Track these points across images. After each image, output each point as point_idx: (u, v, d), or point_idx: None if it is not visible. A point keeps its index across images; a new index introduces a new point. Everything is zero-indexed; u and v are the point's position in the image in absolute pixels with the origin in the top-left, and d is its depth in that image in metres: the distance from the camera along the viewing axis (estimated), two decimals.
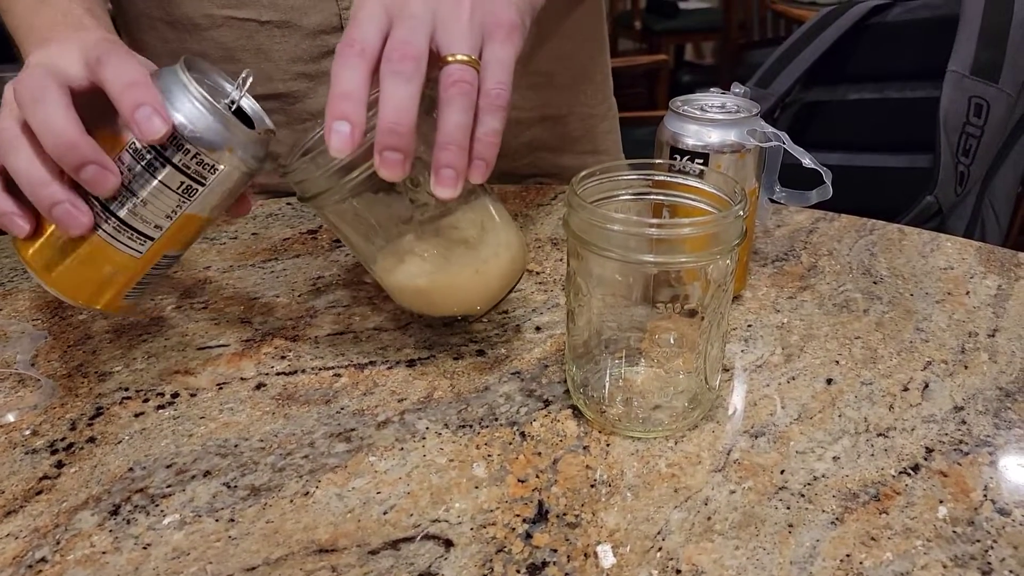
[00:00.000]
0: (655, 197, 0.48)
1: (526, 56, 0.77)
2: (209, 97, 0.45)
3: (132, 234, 0.46)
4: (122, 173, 0.44)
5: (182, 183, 0.45)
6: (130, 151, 0.44)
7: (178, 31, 0.71)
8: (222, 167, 0.46)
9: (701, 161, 0.53)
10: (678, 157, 0.54)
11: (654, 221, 0.41)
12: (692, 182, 0.46)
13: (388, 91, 0.42)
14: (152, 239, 0.46)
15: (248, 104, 0.49)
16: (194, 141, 0.44)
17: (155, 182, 0.45)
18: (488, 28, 0.45)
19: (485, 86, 0.44)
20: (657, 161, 0.48)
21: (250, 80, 0.47)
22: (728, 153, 0.53)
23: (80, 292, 0.47)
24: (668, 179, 0.47)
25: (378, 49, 0.43)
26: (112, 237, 0.45)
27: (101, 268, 0.46)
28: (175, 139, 0.44)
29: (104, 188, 0.43)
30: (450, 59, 0.43)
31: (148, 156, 0.44)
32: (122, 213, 0.45)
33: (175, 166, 0.44)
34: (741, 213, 0.42)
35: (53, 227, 0.45)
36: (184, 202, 0.46)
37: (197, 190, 0.46)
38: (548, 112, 0.82)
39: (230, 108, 0.47)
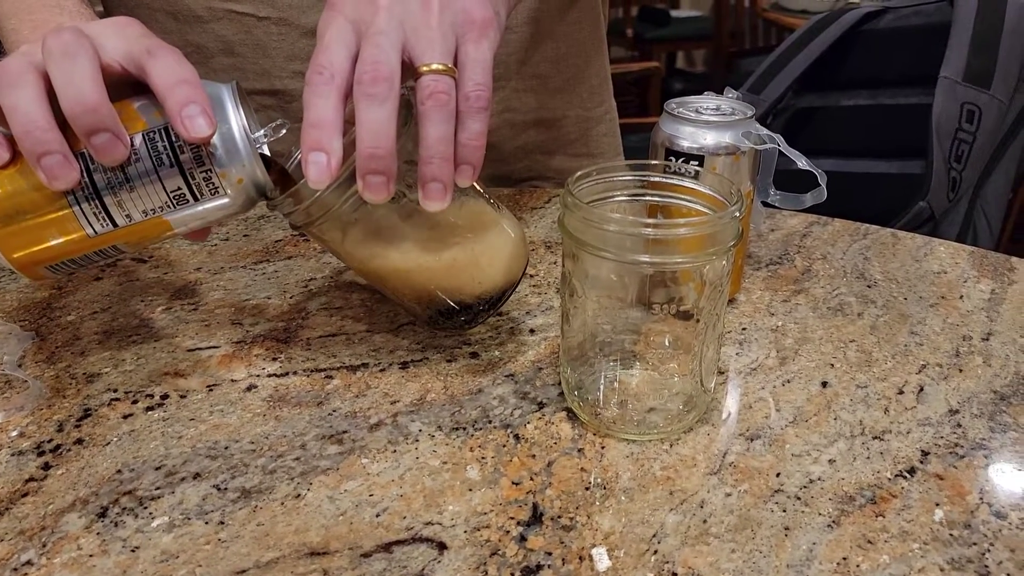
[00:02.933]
0: (650, 198, 0.47)
1: (520, 57, 0.77)
2: (247, 127, 0.44)
3: (100, 213, 0.44)
4: None
5: (178, 189, 0.44)
6: (145, 137, 0.43)
7: (179, 22, 0.70)
8: (222, 194, 0.45)
9: (696, 163, 0.53)
10: (673, 159, 0.54)
11: (650, 221, 0.41)
12: (688, 183, 0.46)
13: (363, 115, 0.41)
14: (116, 226, 0.44)
15: (268, 150, 0.48)
16: (215, 159, 0.44)
17: (153, 176, 0.43)
18: (461, 27, 0.44)
19: (464, 89, 0.43)
20: (653, 162, 0.48)
21: (283, 131, 0.47)
22: (723, 155, 0.53)
23: (16, 252, 0.45)
24: (664, 180, 0.47)
25: (348, 71, 0.42)
26: (80, 209, 0.44)
27: (50, 235, 0.44)
28: (197, 148, 0.43)
29: (111, 158, 0.42)
30: (424, 69, 0.42)
31: (161, 150, 0.43)
32: (102, 188, 0.43)
33: (183, 172, 0.44)
34: (737, 214, 0.42)
35: (20, 183, 0.43)
36: (168, 207, 0.45)
37: (188, 202, 0.45)
38: (543, 115, 0.82)
39: (256, 146, 0.46)
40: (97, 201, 0.44)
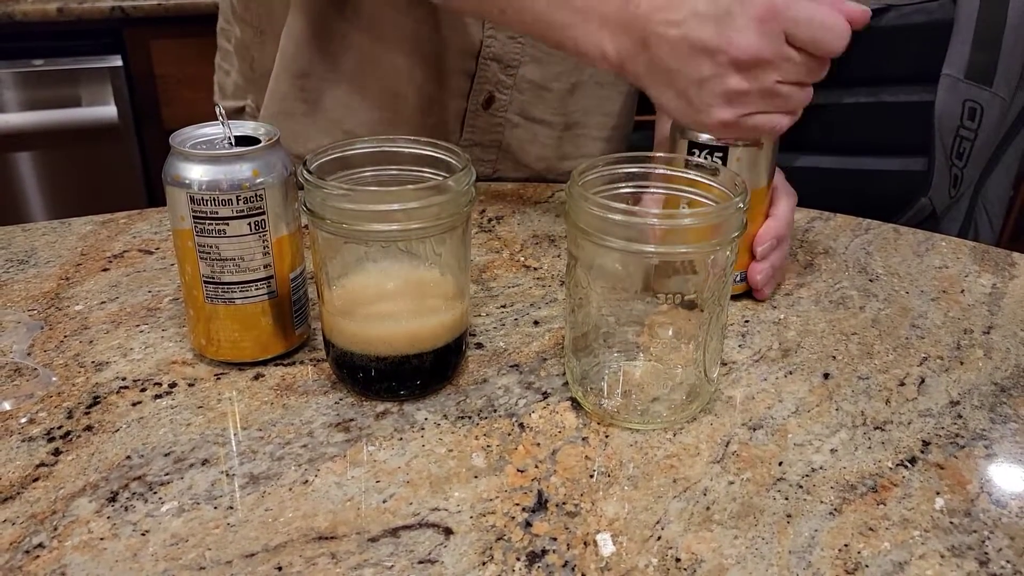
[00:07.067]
0: (655, 190, 0.48)
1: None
2: (218, 151, 0.47)
3: (254, 285, 0.49)
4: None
5: (250, 223, 0.48)
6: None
7: None
8: (262, 188, 0.47)
9: (720, 155, 0.53)
10: (696, 151, 0.54)
11: (655, 211, 0.41)
12: (691, 175, 0.47)
13: None
14: (272, 276, 0.49)
15: (242, 133, 0.50)
16: (226, 190, 0.46)
17: (230, 238, 0.47)
18: None
19: None
20: (657, 154, 0.49)
21: (222, 115, 0.49)
22: (744, 146, 0.54)
23: (269, 350, 0.52)
24: (668, 172, 0.47)
25: None
26: (244, 300, 0.49)
27: (261, 323, 0.50)
28: (214, 199, 0.46)
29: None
30: None
31: (212, 225, 0.47)
32: (232, 278, 0.49)
33: (235, 217, 0.47)
34: (741, 205, 0.42)
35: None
36: (264, 233, 0.48)
37: (264, 219, 0.48)
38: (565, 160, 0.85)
39: (231, 144, 0.48)
40: (239, 285, 0.49)
